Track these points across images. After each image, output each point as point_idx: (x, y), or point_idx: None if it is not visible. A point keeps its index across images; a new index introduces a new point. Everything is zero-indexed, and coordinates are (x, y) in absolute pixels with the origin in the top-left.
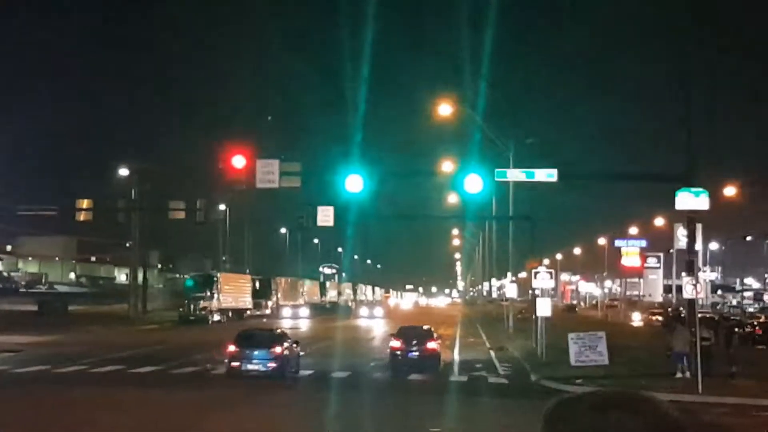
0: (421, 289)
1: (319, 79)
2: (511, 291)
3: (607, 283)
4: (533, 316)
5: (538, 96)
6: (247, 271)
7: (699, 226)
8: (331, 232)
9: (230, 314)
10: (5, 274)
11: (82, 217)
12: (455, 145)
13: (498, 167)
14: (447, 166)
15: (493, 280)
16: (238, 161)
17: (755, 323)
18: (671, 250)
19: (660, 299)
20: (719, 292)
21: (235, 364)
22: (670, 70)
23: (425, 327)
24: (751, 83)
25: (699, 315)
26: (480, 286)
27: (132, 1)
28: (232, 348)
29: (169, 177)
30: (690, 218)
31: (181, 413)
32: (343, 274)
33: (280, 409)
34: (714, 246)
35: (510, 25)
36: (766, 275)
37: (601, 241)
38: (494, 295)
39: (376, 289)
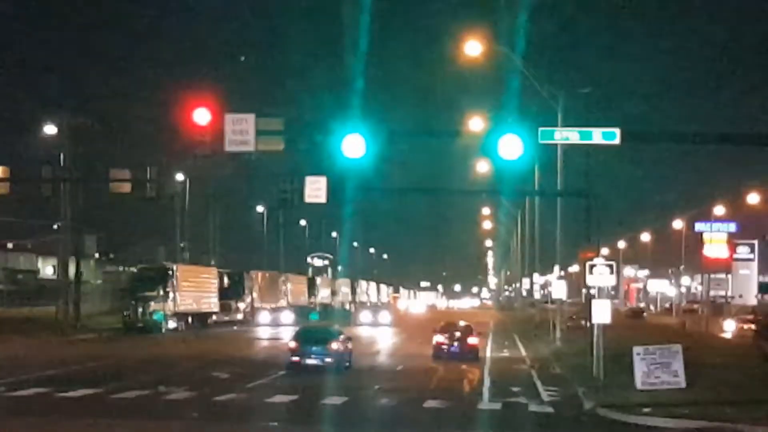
0: (440, 288)
1: (307, 4)
2: (559, 290)
3: (685, 280)
4: (587, 324)
5: (594, 37)
6: (213, 262)
7: None
8: (324, 211)
9: (190, 320)
10: None
11: None
12: (486, 96)
13: (543, 125)
14: (476, 123)
15: (536, 276)
16: (201, 116)
17: None
18: None
19: (754, 301)
20: None
21: (295, 359)
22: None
23: (465, 323)
24: None
25: None
26: (518, 284)
27: None
28: (293, 344)
29: (111, 137)
30: None
31: None
32: (339, 268)
33: None
34: None
35: None
36: None
37: (677, 224)
38: (536, 295)
39: (382, 287)
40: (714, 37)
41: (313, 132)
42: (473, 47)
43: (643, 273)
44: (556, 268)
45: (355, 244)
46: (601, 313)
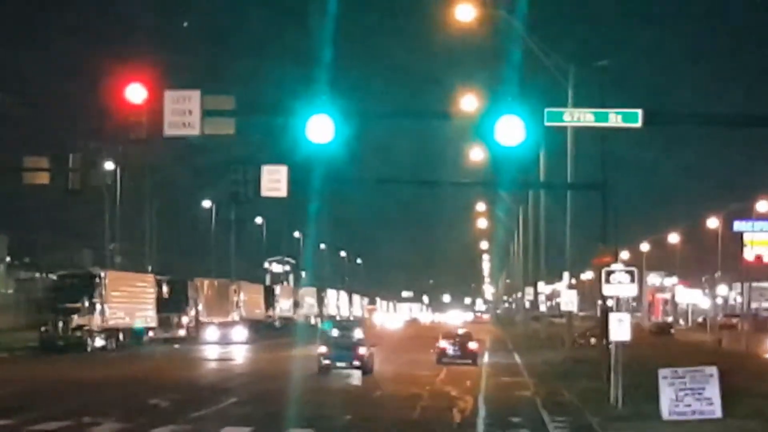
0: (425, 299)
1: None
2: (569, 301)
3: (721, 289)
4: (603, 342)
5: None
6: (150, 268)
7: None
8: (284, 207)
9: (122, 337)
10: None
11: None
12: (481, 70)
13: (550, 105)
14: (468, 103)
15: (541, 285)
16: (135, 93)
17: None
18: None
19: None
20: None
21: (326, 362)
22: None
23: (464, 331)
24: None
25: None
26: (519, 294)
27: None
28: (324, 349)
29: (25, 118)
30: None
31: None
32: (303, 275)
33: None
34: None
35: None
36: None
37: (712, 223)
38: (542, 307)
39: (355, 297)
40: None
41: (270, 113)
42: (465, 11)
43: (671, 281)
44: (566, 275)
45: (323, 246)
46: (620, 328)
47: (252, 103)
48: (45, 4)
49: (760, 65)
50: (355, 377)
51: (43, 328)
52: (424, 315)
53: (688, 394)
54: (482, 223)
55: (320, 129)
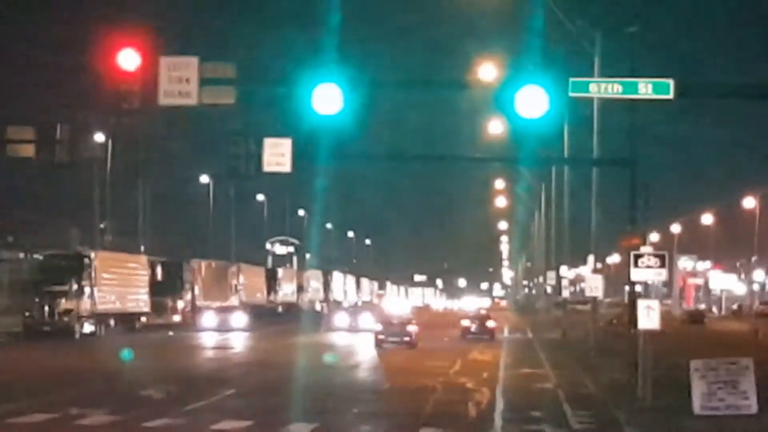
0: (440, 283)
1: None
2: (594, 287)
3: (758, 274)
4: (631, 330)
5: None
6: (143, 249)
7: None
8: (288, 183)
9: (112, 323)
10: None
11: None
12: (501, 37)
13: (574, 75)
14: (487, 72)
15: (564, 269)
16: (129, 60)
17: None
18: None
19: None
20: None
21: (381, 337)
22: None
23: (484, 312)
24: None
25: None
26: (540, 278)
27: None
28: (380, 327)
29: (9, 84)
30: None
31: None
32: (308, 256)
33: None
34: None
35: None
36: None
37: (748, 202)
38: (565, 293)
39: (364, 281)
40: None
41: (274, 81)
42: None
43: (704, 266)
44: (591, 258)
45: (329, 225)
46: (649, 316)
47: (254, 71)
48: None
49: None
50: (362, 368)
51: (27, 313)
52: (438, 301)
53: (722, 387)
54: (501, 202)
55: (327, 99)
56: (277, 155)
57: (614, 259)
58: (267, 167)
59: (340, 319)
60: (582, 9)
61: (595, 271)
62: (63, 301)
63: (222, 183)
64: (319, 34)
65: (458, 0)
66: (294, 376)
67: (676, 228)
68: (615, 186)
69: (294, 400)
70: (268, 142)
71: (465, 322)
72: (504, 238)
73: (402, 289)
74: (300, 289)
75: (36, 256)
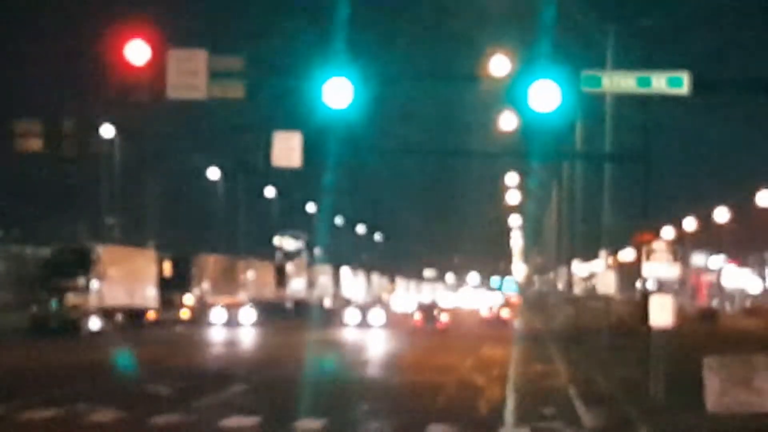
0: (450, 277)
1: None
2: (606, 283)
3: None
4: (643, 327)
5: None
6: (151, 243)
7: None
8: (298, 177)
9: (120, 318)
10: None
11: None
12: (513, 29)
13: (587, 68)
14: (499, 65)
15: (576, 265)
16: (137, 52)
17: None
18: None
19: None
20: None
21: (419, 323)
22: None
23: (501, 303)
24: None
25: None
26: (552, 274)
27: None
28: (419, 315)
29: (16, 77)
30: None
31: None
32: (317, 251)
33: None
34: None
35: None
36: None
37: (763, 197)
38: (576, 289)
39: (374, 276)
40: None
41: (284, 75)
42: None
43: (718, 260)
44: (603, 253)
45: (339, 220)
46: (661, 312)
47: (263, 64)
48: None
49: None
50: (374, 362)
51: (33, 308)
52: (447, 297)
53: (736, 384)
54: (512, 197)
55: (338, 93)
56: (286, 149)
57: (627, 254)
58: (276, 161)
59: (350, 315)
60: (595, 1)
61: (608, 267)
62: (70, 296)
63: (231, 177)
64: (328, 27)
65: None
66: (303, 371)
67: (689, 223)
68: (628, 180)
69: (303, 396)
70: (278, 136)
71: (485, 314)
72: (515, 234)
73: (412, 283)
74: (310, 284)
75: (43, 250)
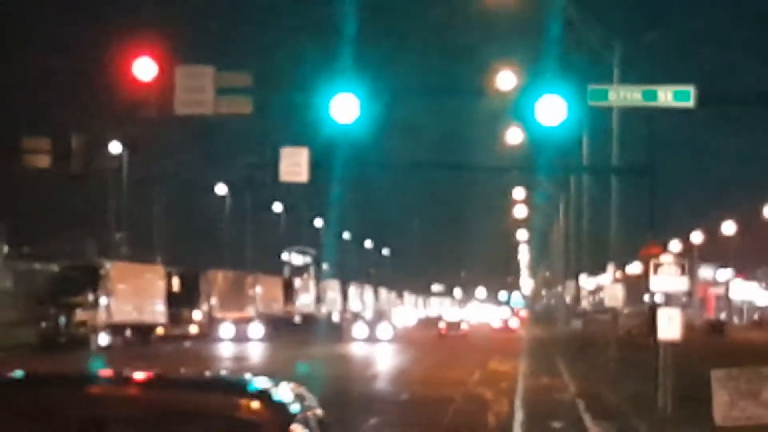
0: (458, 292)
1: None
2: (614, 296)
3: None
4: (652, 341)
5: None
6: (159, 259)
7: None
8: (305, 192)
9: (129, 334)
10: None
11: None
12: (519, 44)
13: (593, 82)
14: (505, 80)
15: (583, 279)
16: (144, 69)
17: None
18: None
19: None
20: None
21: (443, 332)
22: None
23: (509, 313)
24: None
25: None
26: (560, 288)
27: None
28: (443, 325)
29: (24, 94)
30: None
31: None
32: (325, 266)
33: None
34: None
35: None
36: None
37: None
38: (584, 303)
39: (382, 290)
40: None
41: (290, 90)
42: None
43: (725, 273)
44: (610, 267)
45: (346, 235)
46: (669, 326)
47: (271, 80)
48: None
49: None
50: (382, 376)
51: (43, 324)
52: (452, 311)
53: (744, 397)
54: (519, 211)
55: (344, 108)
56: (293, 164)
57: (634, 268)
58: (284, 176)
59: (359, 329)
60: (602, 15)
61: (615, 280)
62: (79, 312)
63: (238, 193)
64: (335, 43)
65: (476, 7)
66: (311, 386)
67: (696, 237)
68: (635, 194)
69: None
70: (285, 152)
71: (495, 324)
72: (523, 248)
73: (419, 298)
74: (318, 299)
75: (52, 266)
